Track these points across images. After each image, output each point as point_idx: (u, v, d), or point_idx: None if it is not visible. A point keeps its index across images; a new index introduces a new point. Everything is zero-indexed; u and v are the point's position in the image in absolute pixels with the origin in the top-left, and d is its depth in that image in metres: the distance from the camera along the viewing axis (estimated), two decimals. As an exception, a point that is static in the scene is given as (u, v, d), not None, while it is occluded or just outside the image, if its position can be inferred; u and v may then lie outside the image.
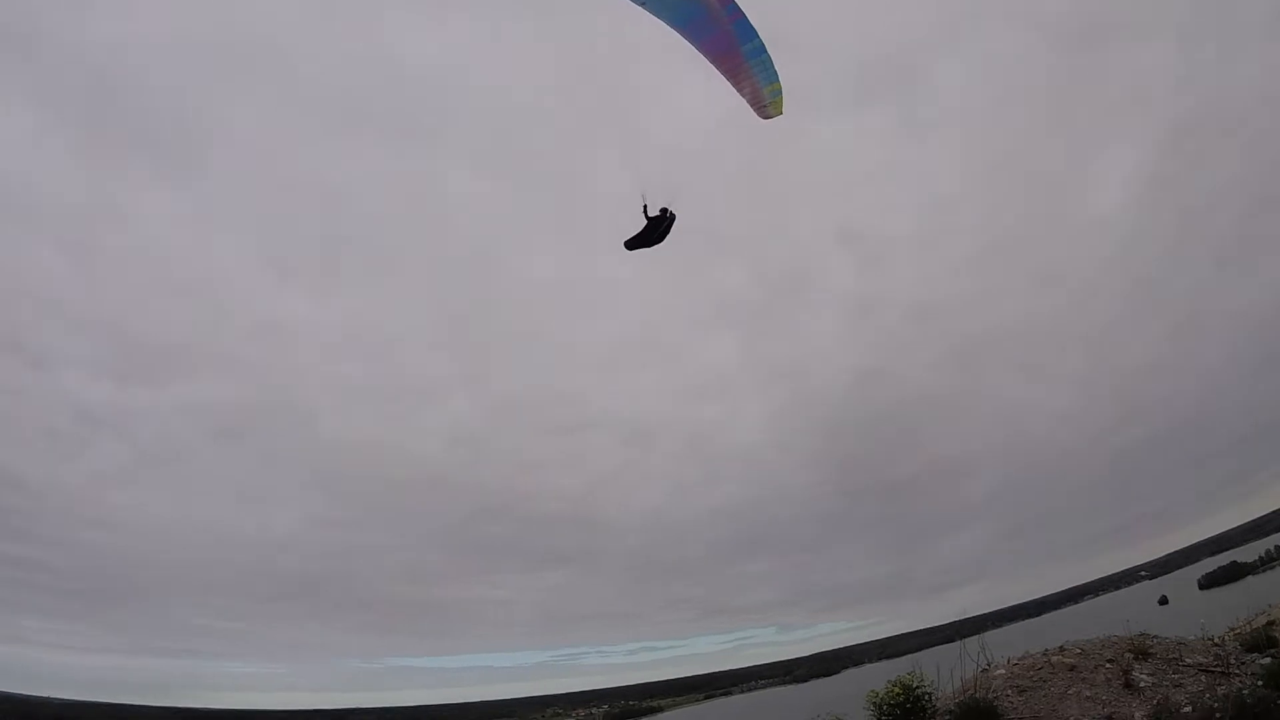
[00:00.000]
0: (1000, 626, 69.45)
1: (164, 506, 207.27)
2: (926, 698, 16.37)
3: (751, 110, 13.92)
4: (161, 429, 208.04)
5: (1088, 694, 15.68)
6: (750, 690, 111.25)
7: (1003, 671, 17.59)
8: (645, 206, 14.82)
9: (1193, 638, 18.52)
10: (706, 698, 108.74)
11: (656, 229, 15.01)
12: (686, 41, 13.64)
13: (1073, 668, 16.73)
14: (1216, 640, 18.65)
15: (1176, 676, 16.10)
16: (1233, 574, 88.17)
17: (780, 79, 13.63)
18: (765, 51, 13.67)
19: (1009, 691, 16.39)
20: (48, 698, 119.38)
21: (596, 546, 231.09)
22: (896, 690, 16.36)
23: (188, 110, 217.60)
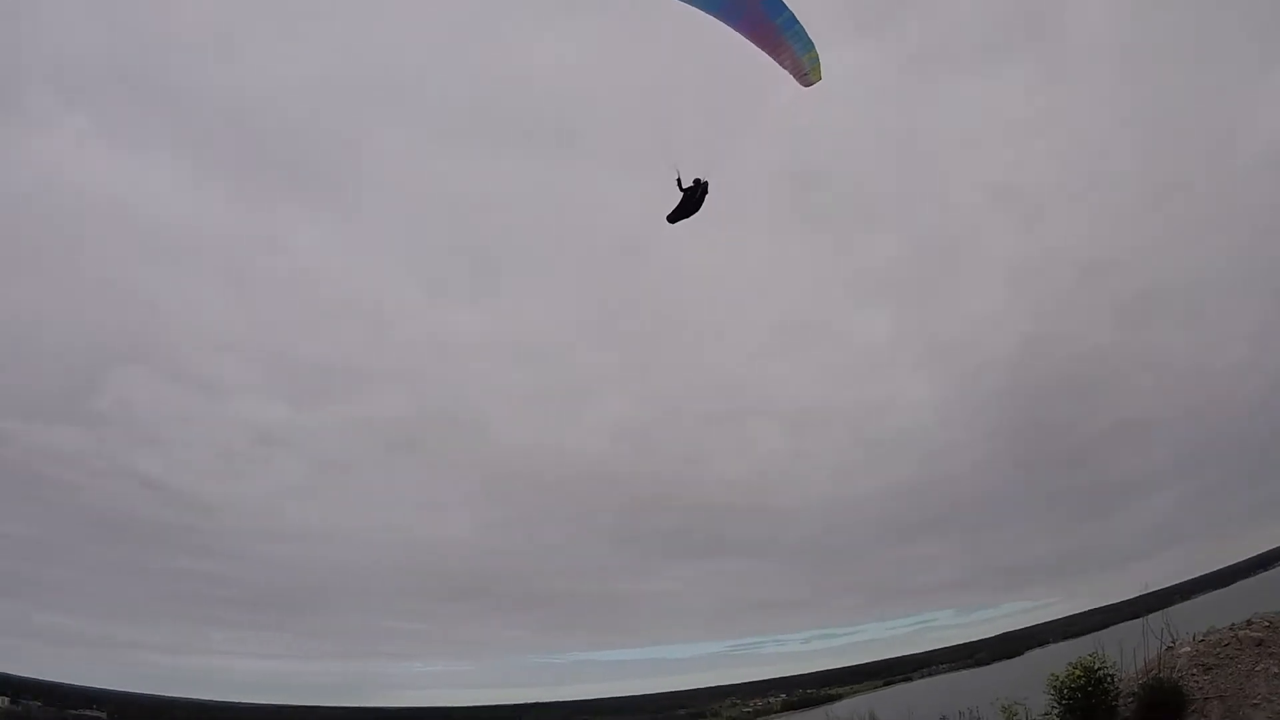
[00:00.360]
0: (1188, 599, 65.75)
1: (343, 517, 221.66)
2: (1108, 679, 16.46)
3: (796, 81, 14.77)
4: (335, 445, 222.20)
5: (1275, 670, 15.59)
6: (931, 675, 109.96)
7: (1187, 649, 17.26)
8: (679, 179, 15.79)
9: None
10: (885, 684, 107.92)
11: (692, 198, 15.97)
12: (726, 25, 14.37)
13: (1260, 642, 16.44)
14: None
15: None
16: None
17: (815, 45, 14.17)
18: (797, 22, 14.12)
19: (1194, 670, 16.31)
20: (237, 702, 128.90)
21: (767, 534, 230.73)
22: (1077, 673, 16.47)
23: (333, 142, 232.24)
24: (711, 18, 14.35)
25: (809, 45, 14.50)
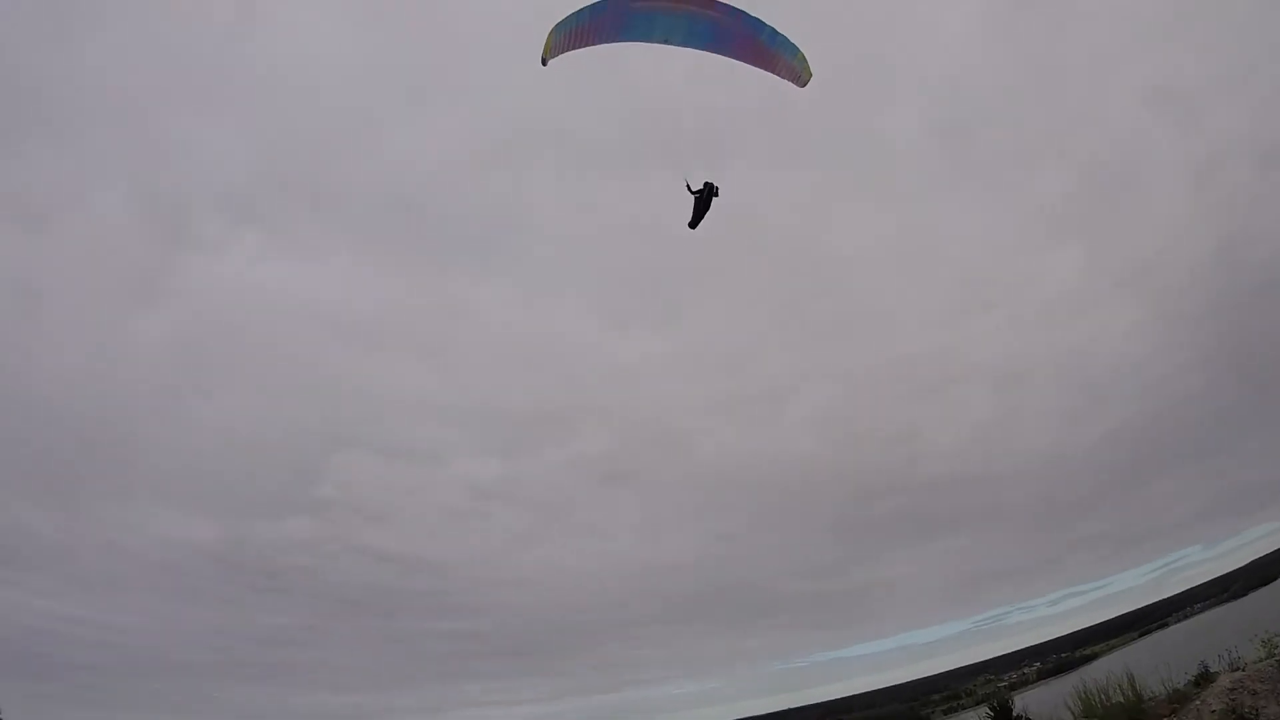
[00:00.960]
0: None
1: (570, 556, 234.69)
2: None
3: (790, 84, 15.12)
4: (550, 489, 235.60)
5: None
6: (1186, 618, 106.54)
7: None
8: (688, 184, 15.99)
9: None
10: (1141, 635, 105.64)
11: (704, 201, 16.21)
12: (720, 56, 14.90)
13: None
14: None
15: None
16: None
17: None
18: (779, 33, 14.56)
19: None
20: None
21: (990, 500, 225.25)
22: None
23: (489, 200, 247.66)
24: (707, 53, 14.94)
25: (795, 49, 14.82)
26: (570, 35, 13.46)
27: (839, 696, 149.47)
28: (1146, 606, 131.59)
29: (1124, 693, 13.24)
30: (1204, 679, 14.19)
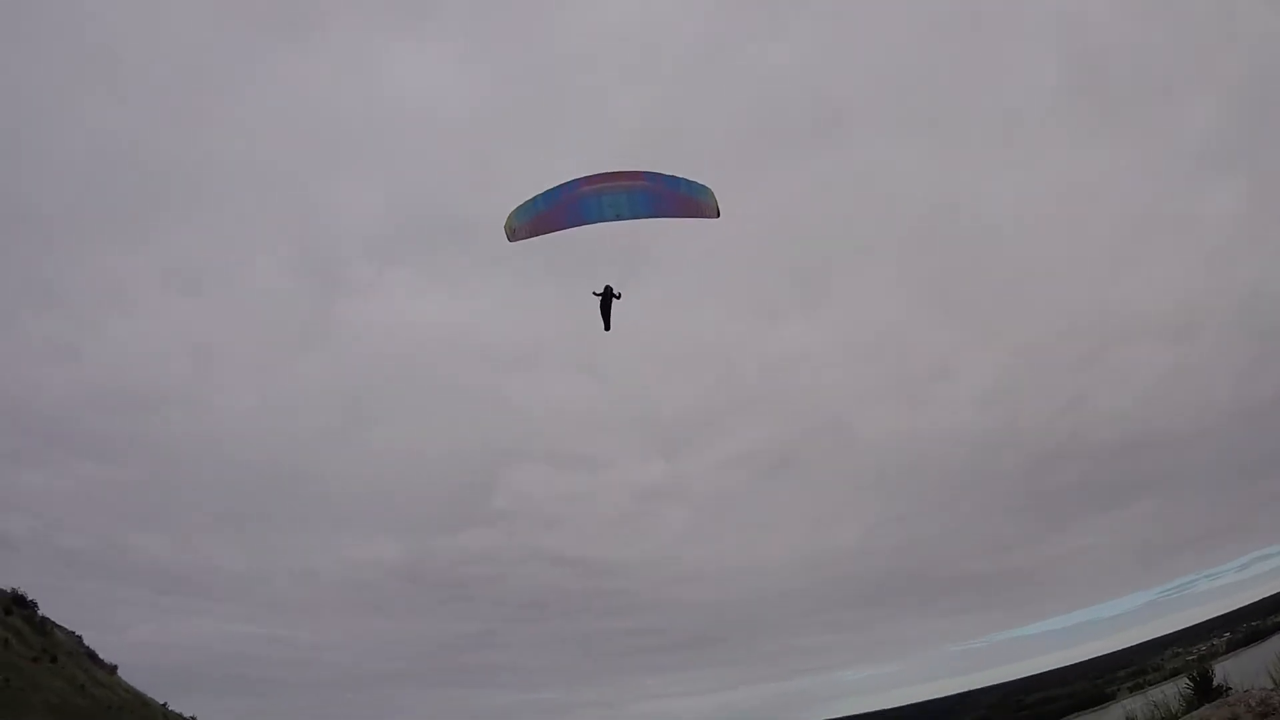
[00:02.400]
0: None
1: (737, 549, 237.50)
2: None
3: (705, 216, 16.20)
4: (714, 485, 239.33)
5: None
6: None
7: None
8: (593, 292, 17.45)
9: None
10: None
11: (606, 302, 17.62)
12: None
13: None
14: None
15: None
16: None
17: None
18: (694, 181, 15.71)
19: None
20: None
21: (1170, 462, 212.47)
22: None
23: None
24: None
25: (707, 189, 15.95)
26: (530, 223, 14.94)
27: (1020, 677, 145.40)
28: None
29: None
30: None
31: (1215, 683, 15.16)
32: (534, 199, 15.01)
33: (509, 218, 15.40)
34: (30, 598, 39.68)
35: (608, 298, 17.02)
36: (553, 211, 14.93)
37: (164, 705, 44.28)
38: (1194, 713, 13.68)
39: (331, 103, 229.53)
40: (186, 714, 45.66)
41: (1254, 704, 12.57)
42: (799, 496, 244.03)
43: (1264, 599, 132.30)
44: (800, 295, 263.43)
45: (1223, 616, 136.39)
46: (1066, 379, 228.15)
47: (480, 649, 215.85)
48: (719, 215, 15.75)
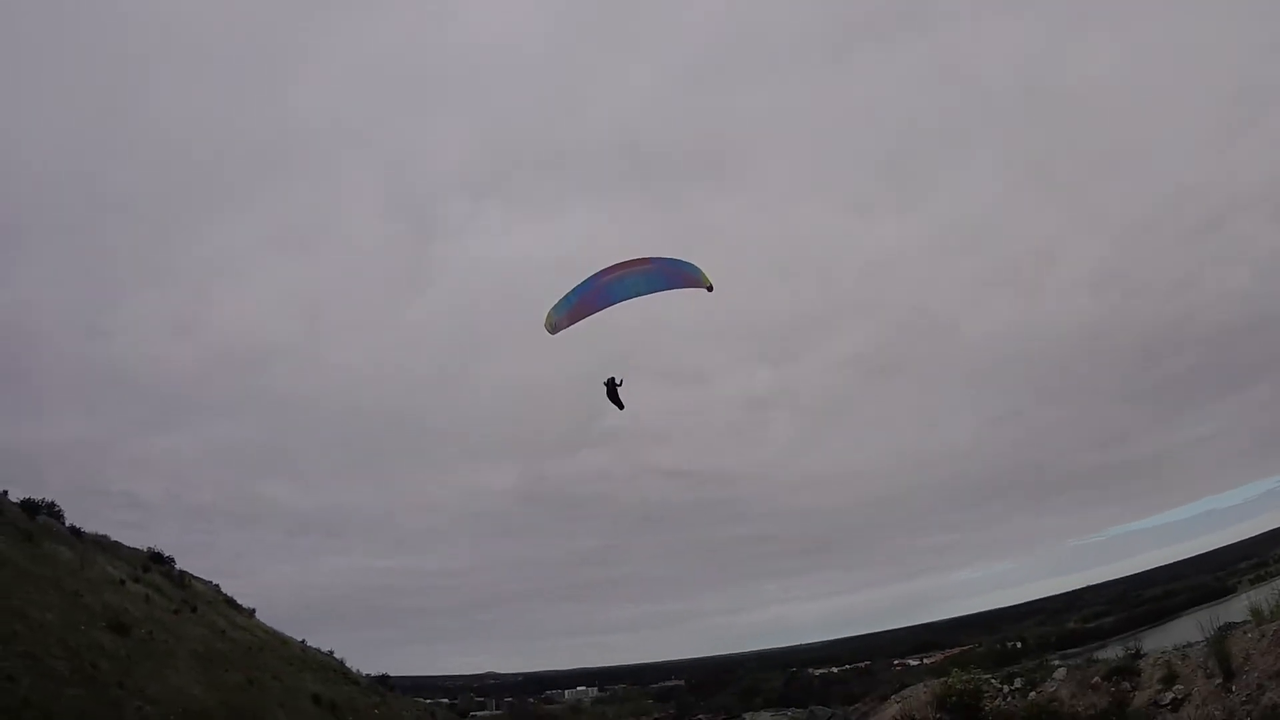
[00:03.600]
0: None
1: (849, 453, 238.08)
2: None
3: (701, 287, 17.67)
4: (822, 389, 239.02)
5: None
6: None
7: None
8: (603, 382, 18.42)
9: None
10: None
11: (613, 390, 18.46)
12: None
13: None
14: None
15: None
16: None
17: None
18: (689, 261, 17.32)
19: None
20: (800, 644, 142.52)
21: None
22: None
23: (710, 120, 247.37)
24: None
25: (699, 269, 17.42)
26: (568, 314, 16.66)
27: (1137, 571, 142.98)
28: None
29: None
30: None
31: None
32: (566, 296, 16.90)
33: (548, 315, 17.24)
34: (167, 554, 41.81)
35: (613, 387, 18.39)
36: (583, 302, 16.78)
37: (302, 642, 46.58)
38: (1319, 603, 14.00)
39: (408, 49, 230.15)
40: (324, 648, 48.02)
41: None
42: (907, 397, 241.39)
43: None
44: (894, 190, 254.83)
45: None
46: (1178, 257, 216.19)
47: (601, 564, 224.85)
48: (711, 289, 17.48)
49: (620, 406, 18.77)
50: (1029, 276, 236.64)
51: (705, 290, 17.82)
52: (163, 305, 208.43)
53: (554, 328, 17.47)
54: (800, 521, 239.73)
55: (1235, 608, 20.51)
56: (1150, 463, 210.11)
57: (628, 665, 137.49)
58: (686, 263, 17.58)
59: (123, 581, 33.59)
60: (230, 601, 44.97)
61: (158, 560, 40.33)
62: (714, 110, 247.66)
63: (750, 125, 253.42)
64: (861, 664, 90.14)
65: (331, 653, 47.52)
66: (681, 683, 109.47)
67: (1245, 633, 14.61)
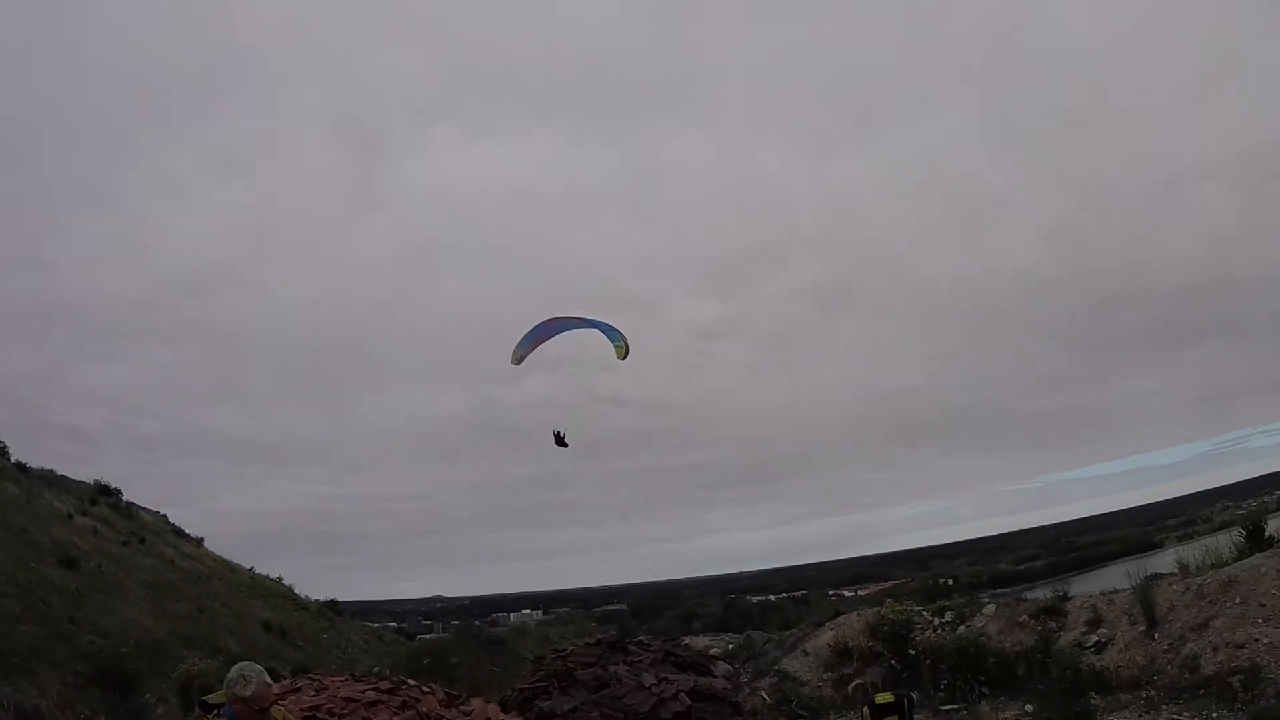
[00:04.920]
0: None
1: (795, 385, 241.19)
2: None
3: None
4: (771, 322, 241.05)
5: None
6: None
7: None
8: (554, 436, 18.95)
9: None
10: None
11: (561, 441, 19.04)
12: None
13: None
14: None
15: None
16: None
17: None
18: (617, 330, 18.18)
19: None
20: (740, 572, 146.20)
21: (1235, 309, 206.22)
22: None
23: (672, 52, 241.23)
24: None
25: (622, 338, 18.24)
26: (530, 345, 18.18)
27: (1069, 519, 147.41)
28: None
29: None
30: None
31: (1267, 535, 15.67)
32: (524, 337, 18.21)
33: (513, 352, 18.47)
34: (114, 485, 41.31)
35: (559, 439, 19.26)
36: (541, 335, 18.23)
37: (250, 569, 46.57)
38: (1245, 560, 14.33)
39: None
40: (273, 575, 48.05)
41: (1306, 557, 13.16)
42: (855, 333, 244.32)
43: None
44: (854, 130, 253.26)
45: (1276, 474, 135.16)
46: (1132, 218, 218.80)
47: (547, 489, 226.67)
48: (622, 358, 18.60)
49: (565, 446, 19.40)
50: (984, 223, 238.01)
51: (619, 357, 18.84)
52: (104, 232, 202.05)
53: (519, 360, 18.64)
54: (744, 452, 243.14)
55: (1162, 561, 21.09)
56: (1090, 414, 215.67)
57: (573, 589, 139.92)
58: (616, 330, 18.63)
59: (70, 515, 33.51)
60: (178, 531, 45.04)
61: (105, 492, 40.00)
62: (676, 41, 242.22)
63: (712, 58, 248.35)
64: (798, 593, 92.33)
65: (280, 579, 47.61)
66: (624, 607, 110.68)
67: (1171, 584, 15.00)
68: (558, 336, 18.74)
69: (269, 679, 5.26)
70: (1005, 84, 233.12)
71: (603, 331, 18.32)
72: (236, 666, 5.23)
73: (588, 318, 18.76)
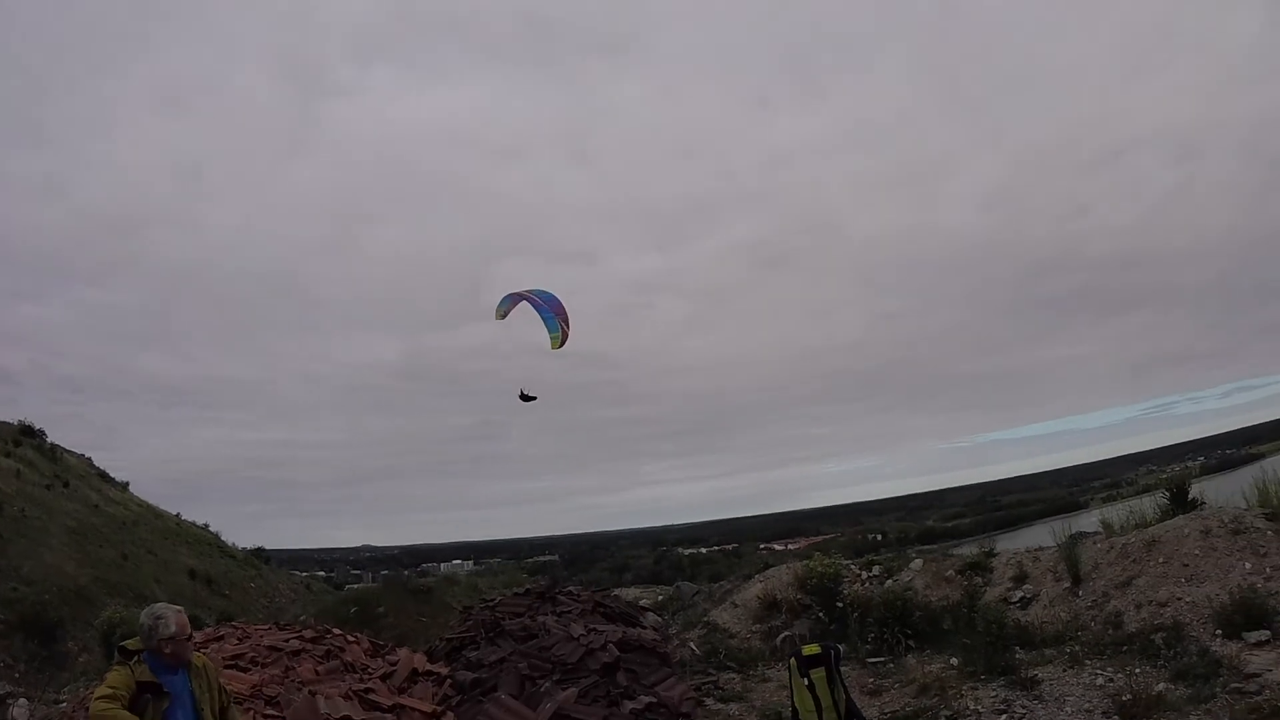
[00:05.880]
0: None
1: (734, 340, 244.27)
2: None
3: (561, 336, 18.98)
4: (709, 277, 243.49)
5: None
6: None
7: None
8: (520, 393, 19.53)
9: None
10: None
11: (527, 398, 19.71)
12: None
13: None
14: None
15: None
16: None
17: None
18: (556, 322, 18.48)
19: None
20: (673, 524, 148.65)
21: (1166, 279, 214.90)
22: None
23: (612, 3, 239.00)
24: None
25: (557, 331, 18.64)
26: (505, 307, 18.62)
27: (997, 479, 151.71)
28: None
29: (1307, 487, 13.81)
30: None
31: (1190, 497, 15.92)
32: (501, 300, 18.69)
33: (552, 343, 18.72)
34: (38, 427, 40.32)
35: (525, 396, 19.75)
36: (508, 305, 18.63)
37: (177, 515, 45.45)
38: (1168, 521, 14.50)
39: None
40: (200, 522, 47.03)
41: (1227, 520, 13.30)
42: (794, 289, 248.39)
43: (1241, 428, 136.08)
44: (799, 86, 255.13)
45: (1199, 440, 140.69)
46: (1072, 185, 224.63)
47: (480, 440, 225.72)
48: (555, 348, 18.83)
49: (533, 399, 19.92)
50: (925, 185, 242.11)
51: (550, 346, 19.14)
52: (33, 166, 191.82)
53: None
54: (679, 406, 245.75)
55: (1087, 521, 21.50)
56: (1022, 377, 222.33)
57: (505, 540, 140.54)
58: (554, 320, 18.81)
59: (-8, 457, 32.53)
60: (103, 475, 43.82)
61: (28, 434, 38.94)
62: None
63: (655, 6, 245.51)
64: (730, 546, 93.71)
65: (207, 526, 46.96)
66: (556, 558, 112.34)
67: (1095, 543, 15.18)
68: (521, 304, 18.91)
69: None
70: (951, 46, 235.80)
71: (544, 320, 18.47)
72: (146, 611, 4.96)
73: (541, 301, 18.87)
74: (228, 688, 5.59)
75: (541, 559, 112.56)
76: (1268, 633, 10.71)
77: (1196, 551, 12.90)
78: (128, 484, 44.86)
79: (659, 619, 18.78)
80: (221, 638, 11.40)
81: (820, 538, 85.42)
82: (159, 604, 5.04)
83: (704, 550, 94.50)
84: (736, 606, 18.45)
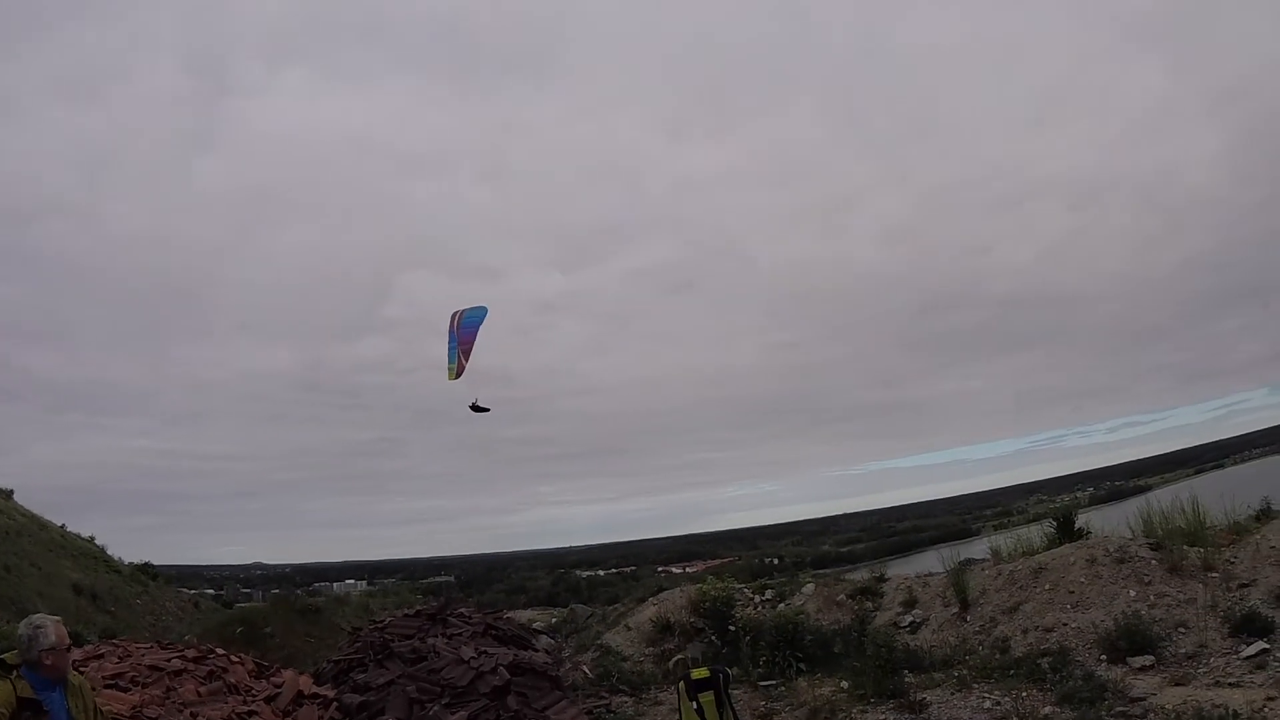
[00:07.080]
0: None
1: (635, 364, 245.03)
2: None
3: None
4: (613, 300, 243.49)
5: None
6: (1245, 460, 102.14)
7: None
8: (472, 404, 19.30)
9: None
10: (1197, 472, 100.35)
11: (477, 409, 19.45)
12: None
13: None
14: None
15: None
16: None
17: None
18: (453, 352, 18.39)
19: None
20: (572, 546, 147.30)
21: (1058, 320, 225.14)
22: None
23: (536, 20, 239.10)
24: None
25: (453, 362, 18.43)
26: (458, 363, 18.16)
27: (893, 505, 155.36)
28: (1204, 445, 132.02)
29: (1186, 518, 14.18)
30: (1265, 515, 14.96)
31: (1077, 526, 16.26)
32: (450, 351, 18.29)
33: (449, 372, 18.40)
34: None
35: (477, 407, 19.26)
36: (462, 343, 18.17)
37: (62, 527, 42.56)
38: (1055, 549, 14.75)
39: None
40: (85, 534, 44.20)
41: (1112, 549, 13.56)
42: (698, 317, 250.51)
43: (1128, 461, 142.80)
44: (711, 115, 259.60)
45: (1087, 472, 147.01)
46: (973, 226, 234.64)
47: (377, 456, 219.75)
48: (451, 379, 18.43)
49: (485, 410, 19.27)
50: (830, 219, 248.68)
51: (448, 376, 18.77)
52: None
53: (459, 374, 18.27)
54: (581, 427, 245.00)
55: (976, 548, 21.83)
56: (916, 408, 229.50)
57: (400, 559, 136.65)
58: (454, 350, 18.50)
59: None
60: None
61: None
62: (544, 6, 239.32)
63: (574, 25, 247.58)
64: (628, 569, 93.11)
65: (93, 539, 42.88)
66: (452, 579, 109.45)
67: (983, 569, 15.39)
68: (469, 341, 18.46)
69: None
70: (863, 83, 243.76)
71: (449, 349, 18.34)
72: (25, 621, 4.84)
73: (454, 331, 18.66)
74: (105, 708, 5.47)
75: (437, 579, 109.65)
76: (1152, 658, 10.86)
77: (1082, 579, 13.09)
78: (11, 492, 41.46)
79: (552, 641, 18.31)
80: (101, 656, 11.07)
81: (717, 561, 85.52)
82: (37, 614, 4.92)
83: (602, 572, 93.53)
84: (630, 629, 18.13)
